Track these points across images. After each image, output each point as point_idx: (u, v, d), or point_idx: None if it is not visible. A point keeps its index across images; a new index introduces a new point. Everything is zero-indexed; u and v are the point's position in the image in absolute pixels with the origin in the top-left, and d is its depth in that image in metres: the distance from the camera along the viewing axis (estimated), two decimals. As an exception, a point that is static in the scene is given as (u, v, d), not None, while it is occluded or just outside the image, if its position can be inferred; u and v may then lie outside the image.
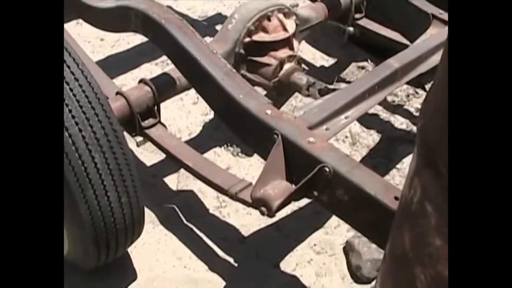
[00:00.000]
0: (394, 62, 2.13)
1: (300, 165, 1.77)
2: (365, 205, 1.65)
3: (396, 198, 1.55)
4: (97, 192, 1.70)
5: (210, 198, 2.48)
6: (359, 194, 1.65)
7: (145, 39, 3.44)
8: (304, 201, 2.44)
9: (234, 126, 2.01)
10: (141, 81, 2.26)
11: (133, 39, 3.50)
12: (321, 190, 1.75)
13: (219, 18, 3.77)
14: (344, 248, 2.27)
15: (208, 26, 3.72)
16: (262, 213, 1.77)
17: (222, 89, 1.95)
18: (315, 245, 2.29)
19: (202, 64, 2.00)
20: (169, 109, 2.92)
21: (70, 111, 1.64)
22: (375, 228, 1.66)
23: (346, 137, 2.80)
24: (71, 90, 1.66)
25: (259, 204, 1.77)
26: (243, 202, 1.92)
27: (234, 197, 1.94)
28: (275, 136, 1.81)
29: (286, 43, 2.47)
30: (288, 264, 2.22)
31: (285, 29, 2.47)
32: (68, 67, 1.70)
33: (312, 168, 1.71)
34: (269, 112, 1.87)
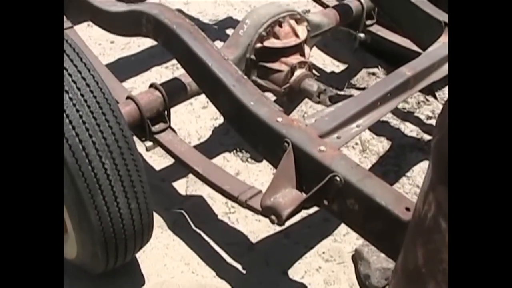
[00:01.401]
0: (406, 70, 2.11)
1: (311, 174, 1.76)
2: (375, 215, 1.63)
3: (407, 209, 1.54)
4: (107, 198, 1.70)
5: (219, 204, 2.47)
6: (370, 204, 1.64)
7: (155, 42, 3.47)
8: (314, 208, 2.40)
9: (245, 132, 2.00)
10: (152, 85, 2.26)
11: (143, 42, 3.50)
12: (332, 200, 1.73)
13: (230, 21, 3.77)
14: (353, 256, 2.25)
15: (219, 29, 3.71)
16: (272, 222, 1.76)
17: (233, 96, 1.94)
18: (324, 252, 2.28)
19: (213, 70, 1.99)
20: (179, 113, 2.91)
21: (80, 116, 1.64)
22: (385, 239, 1.65)
23: (356, 144, 2.79)
24: (82, 96, 1.66)
25: (269, 212, 1.76)
26: (253, 209, 1.91)
27: (244, 205, 1.93)
28: (286, 144, 1.80)
29: (297, 49, 2.47)
30: (296, 272, 2.21)
31: (296, 35, 2.46)
32: (79, 72, 1.69)
33: (323, 177, 1.70)
34: (280, 119, 1.86)
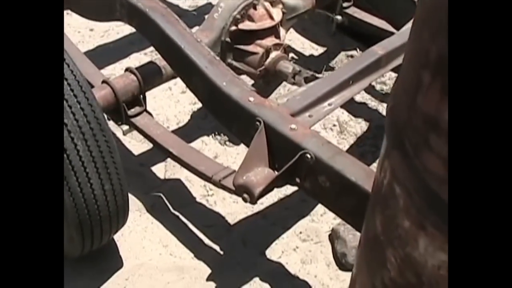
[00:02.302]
0: (378, 49, 2.13)
1: (283, 152, 1.78)
2: (347, 191, 1.66)
3: (377, 184, 1.56)
4: (80, 179, 1.71)
5: (197, 187, 2.49)
6: (341, 180, 1.66)
7: (134, 29, 3.47)
8: (291, 189, 2.46)
9: (218, 113, 2.01)
10: (127, 69, 2.26)
11: (122, 29, 3.49)
12: (304, 177, 1.75)
13: (209, 8, 3.73)
14: (329, 236, 2.28)
15: (198, 16, 3.71)
16: (245, 200, 1.78)
17: (205, 77, 1.95)
18: (301, 232, 2.30)
19: (186, 52, 2.00)
20: (158, 98, 2.92)
21: (51, 98, 1.64)
22: (357, 214, 1.65)
23: (334, 125, 2.81)
24: (52, 77, 1.66)
25: (241, 191, 1.78)
26: (227, 189, 1.93)
27: (218, 184, 1.95)
28: (258, 123, 1.82)
29: (272, 31, 2.47)
30: (274, 252, 2.23)
31: (271, 18, 2.46)
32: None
33: (294, 154, 1.72)
34: (252, 99, 1.88)
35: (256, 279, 2.12)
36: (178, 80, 2.91)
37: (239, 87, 1.92)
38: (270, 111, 1.83)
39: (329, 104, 1.96)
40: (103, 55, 3.27)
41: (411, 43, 0.88)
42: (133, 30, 3.44)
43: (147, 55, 3.30)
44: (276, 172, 1.78)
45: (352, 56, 3.26)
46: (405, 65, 0.90)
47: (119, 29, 3.50)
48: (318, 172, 1.70)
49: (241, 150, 2.66)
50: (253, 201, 1.77)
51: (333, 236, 2.23)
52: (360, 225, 1.70)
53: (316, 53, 3.37)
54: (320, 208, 2.38)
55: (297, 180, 1.78)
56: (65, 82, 1.68)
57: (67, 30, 3.17)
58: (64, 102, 1.66)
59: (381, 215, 1.02)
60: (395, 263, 0.99)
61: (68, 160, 1.67)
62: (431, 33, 0.79)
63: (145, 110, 2.27)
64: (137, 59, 3.27)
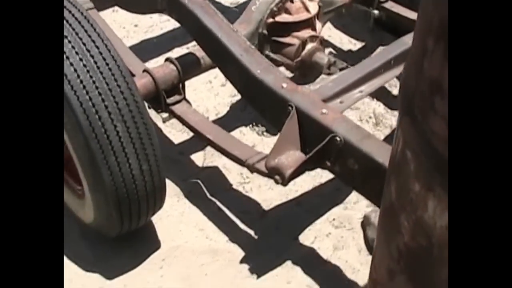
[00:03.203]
0: (408, 39, 2.16)
1: (313, 136, 1.83)
2: (374, 173, 1.70)
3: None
4: (119, 159, 1.80)
5: (234, 174, 2.56)
6: (369, 163, 1.71)
7: (177, 24, 3.57)
8: (325, 178, 2.51)
9: (253, 100, 2.09)
10: (167, 59, 2.35)
11: (166, 25, 3.60)
12: (333, 160, 1.81)
13: (245, 6, 3.83)
14: (362, 223, 2.32)
15: (240, 12, 3.78)
16: (276, 182, 1.85)
17: (241, 65, 2.02)
18: (334, 219, 2.35)
19: (222, 41, 2.08)
20: (198, 90, 3.01)
21: (94, 82, 1.75)
22: (384, 196, 1.71)
23: (370, 117, 2.84)
24: (95, 62, 1.77)
25: (273, 172, 1.85)
26: (259, 172, 1.99)
27: (251, 168, 2.01)
28: (290, 108, 1.88)
29: (309, 24, 2.53)
30: (306, 237, 2.28)
31: (307, 10, 2.52)
32: (93, 41, 1.80)
33: (324, 138, 1.78)
34: (285, 85, 1.94)
35: (288, 262, 2.18)
36: (218, 73, 3.00)
37: (273, 74, 1.98)
38: (302, 96, 1.89)
39: (360, 91, 2.01)
40: (147, 49, 3.37)
41: (419, 16, 0.93)
42: (176, 25, 3.57)
43: (189, 49, 3.38)
44: (307, 155, 1.84)
45: (390, 51, 3.28)
46: (415, 36, 0.95)
47: (163, 25, 3.61)
48: (347, 155, 1.75)
49: (277, 140, 2.72)
50: (284, 182, 1.83)
51: (365, 223, 2.27)
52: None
53: (354, 48, 3.40)
54: (353, 196, 2.42)
55: (327, 163, 1.83)
56: (107, 67, 1.78)
57: (113, 26, 3.28)
58: (105, 85, 1.76)
59: (395, 182, 1.07)
60: (408, 227, 1.04)
61: (108, 141, 1.77)
62: (434, 2, 0.84)
63: (184, 98, 2.35)
64: (179, 54, 3.30)
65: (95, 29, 1.83)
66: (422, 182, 0.95)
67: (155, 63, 3.27)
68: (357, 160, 1.73)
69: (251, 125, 2.83)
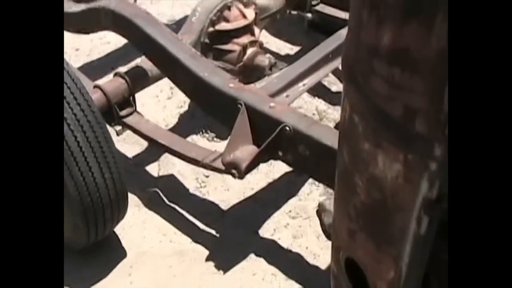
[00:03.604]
0: (344, 33, 2.31)
1: (264, 129, 1.95)
2: (325, 156, 1.83)
3: (351, 147, 1.73)
4: (82, 169, 1.87)
5: (190, 180, 2.65)
6: (319, 147, 1.83)
7: (118, 46, 3.65)
8: (278, 173, 2.63)
9: (203, 103, 2.19)
10: (116, 74, 2.43)
11: (106, 48, 3.67)
12: (285, 149, 1.92)
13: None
14: (317, 211, 2.43)
15: (177, 29, 3.88)
16: (234, 176, 1.95)
17: (188, 70, 2.13)
18: (290, 211, 2.47)
19: (169, 50, 2.18)
20: (146, 104, 3.08)
21: (50, 96, 1.81)
22: (336, 177, 1.83)
23: (313, 114, 2.98)
24: (49, 77, 1.83)
25: (230, 167, 1.95)
26: (216, 169, 2.09)
27: (208, 166, 2.11)
28: (239, 105, 1.99)
29: (247, 30, 2.66)
30: (266, 230, 2.39)
31: (245, 17, 2.65)
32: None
33: (275, 129, 1.89)
34: (232, 85, 2.05)
35: (252, 255, 2.28)
36: (164, 87, 3.12)
37: (220, 76, 2.10)
38: (250, 93, 2.01)
39: (304, 85, 2.15)
40: (90, 71, 3.43)
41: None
42: (117, 46, 3.66)
43: (132, 68, 3.47)
44: (260, 148, 1.95)
45: (326, 52, 3.45)
46: (350, 12, 1.08)
47: (103, 48, 3.68)
48: (297, 142, 1.87)
49: (228, 144, 2.83)
50: (241, 175, 1.93)
51: (320, 210, 2.38)
52: (341, 187, 1.88)
53: (291, 52, 3.56)
54: (306, 188, 2.54)
55: (280, 153, 1.95)
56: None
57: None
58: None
59: (347, 146, 1.19)
60: (362, 186, 1.16)
61: (69, 152, 1.83)
62: (365, -21, 0.97)
63: (135, 110, 2.43)
64: (123, 72, 3.43)
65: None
66: (371, 141, 1.07)
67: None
68: (308, 146, 1.86)
69: (201, 132, 2.93)
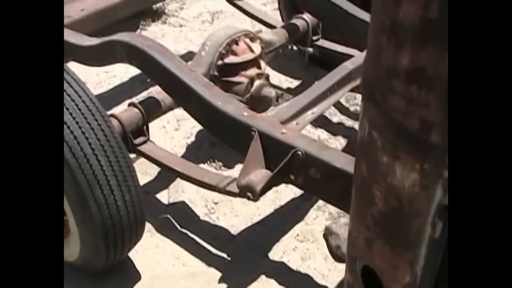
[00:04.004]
0: (348, 65, 2.46)
1: (277, 154, 2.06)
2: (335, 178, 1.94)
3: (360, 168, 1.85)
4: (105, 191, 1.97)
5: (199, 207, 2.75)
6: (329, 169, 1.94)
7: (124, 79, 3.79)
8: (286, 199, 2.74)
9: (216, 130, 2.30)
10: (130, 104, 2.55)
11: (114, 80, 3.80)
12: (297, 173, 2.03)
13: (191, 55, 4.09)
14: (324, 235, 2.54)
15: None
16: (248, 198, 2.05)
17: (203, 99, 2.25)
18: (297, 235, 2.57)
19: (184, 80, 2.30)
20: (154, 135, 3.18)
21: (77, 122, 1.92)
22: (346, 198, 1.93)
23: (316, 144, 3.11)
24: (76, 105, 1.95)
25: (244, 190, 2.05)
26: (231, 193, 2.19)
27: (223, 191, 2.21)
28: (253, 132, 2.11)
29: (254, 63, 2.79)
30: (275, 253, 2.49)
31: (252, 51, 2.79)
32: (71, 86, 1.99)
33: (287, 153, 2.00)
34: (245, 113, 2.17)
35: (263, 276, 2.37)
36: (170, 119, 3.24)
37: (233, 105, 2.22)
38: (263, 121, 2.13)
39: (312, 113, 2.27)
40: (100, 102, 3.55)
41: (372, 19, 1.18)
42: (124, 80, 3.80)
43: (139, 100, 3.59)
44: (273, 171, 2.06)
45: (325, 85, 3.60)
46: (369, 37, 1.21)
47: (111, 80, 3.81)
48: (309, 166, 1.99)
49: (235, 173, 2.93)
50: (256, 198, 2.04)
51: (327, 233, 2.50)
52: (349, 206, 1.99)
53: (292, 86, 3.70)
54: (312, 213, 2.65)
55: (291, 177, 2.06)
56: (86, 108, 1.97)
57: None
58: (87, 124, 1.95)
59: (365, 161, 1.30)
60: (380, 195, 1.27)
61: (93, 175, 1.94)
62: (383, 7, 1.10)
63: (149, 139, 2.54)
64: (130, 105, 3.56)
65: (71, 76, 2.02)
66: (389, 153, 1.19)
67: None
68: (319, 169, 1.97)
69: (208, 162, 3.04)
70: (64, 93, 1.96)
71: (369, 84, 1.20)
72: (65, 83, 1.98)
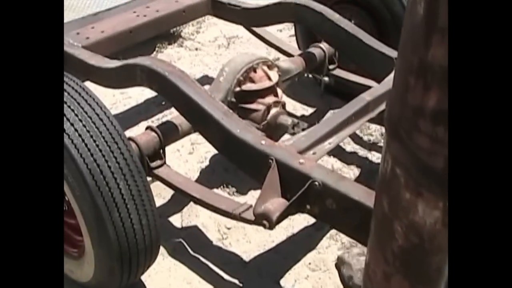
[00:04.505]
0: (366, 96, 2.48)
1: (293, 183, 2.07)
2: (352, 209, 1.95)
3: (376, 200, 1.86)
4: (122, 214, 1.99)
5: (212, 231, 2.76)
6: (345, 201, 1.95)
7: (139, 100, 3.83)
8: (299, 226, 2.74)
9: (234, 158, 2.32)
10: (148, 127, 2.58)
11: (129, 102, 3.84)
12: (313, 203, 2.04)
13: (206, 79, 4.15)
14: (336, 264, 2.54)
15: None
16: (264, 226, 2.06)
17: (222, 127, 2.27)
18: (309, 263, 2.57)
19: (204, 107, 2.32)
20: (168, 158, 3.19)
21: (97, 145, 1.95)
22: (362, 229, 1.94)
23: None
24: (97, 128, 1.98)
25: (261, 218, 2.06)
26: (247, 221, 2.20)
27: (238, 218, 2.22)
28: (270, 161, 2.12)
29: (271, 90, 2.82)
30: (287, 281, 2.49)
31: (269, 79, 2.82)
32: (94, 109, 2.02)
33: (304, 184, 2.02)
34: (263, 142, 2.19)
35: (274, 304, 2.38)
36: (185, 143, 3.26)
37: (252, 133, 2.24)
38: (280, 150, 2.15)
39: (329, 143, 2.29)
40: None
41: (399, 58, 1.21)
42: (139, 101, 3.83)
43: (154, 122, 3.63)
44: (290, 201, 2.07)
45: (340, 114, 3.62)
46: (396, 75, 1.23)
47: (126, 102, 3.85)
48: (325, 196, 2.00)
49: (248, 198, 2.95)
50: (272, 226, 2.05)
51: (339, 263, 2.50)
52: (366, 239, 2.00)
53: (306, 113, 3.73)
54: (325, 241, 2.66)
55: (308, 207, 2.07)
56: (107, 131, 1.99)
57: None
58: (107, 147, 1.97)
59: (387, 196, 1.32)
60: (401, 231, 1.28)
61: (112, 198, 1.96)
62: (412, 48, 1.12)
63: (165, 162, 2.57)
64: (144, 127, 3.58)
65: (93, 98, 2.06)
66: (412, 190, 1.20)
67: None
68: (335, 200, 1.98)
69: (222, 187, 3.06)
70: (86, 115, 1.99)
71: (394, 122, 1.22)
72: (87, 106, 2.01)
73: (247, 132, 2.25)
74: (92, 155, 1.93)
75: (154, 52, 4.50)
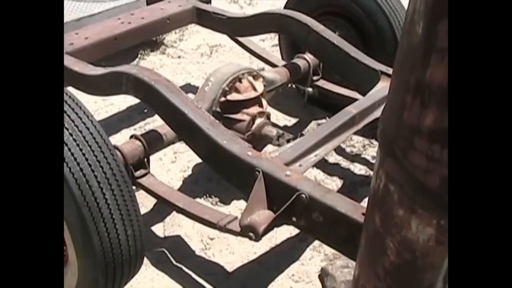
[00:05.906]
0: (352, 109, 2.50)
1: (280, 195, 2.07)
2: (338, 222, 1.95)
3: (363, 214, 1.87)
4: (108, 225, 1.96)
5: (195, 241, 2.74)
6: (332, 214, 1.96)
7: (122, 107, 3.80)
8: (281, 238, 2.74)
9: (220, 169, 2.31)
10: (132, 136, 2.56)
11: (111, 109, 3.82)
12: (300, 215, 2.05)
13: (189, 87, 4.14)
14: (319, 276, 2.55)
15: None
16: (250, 238, 2.06)
17: (208, 137, 2.26)
18: (293, 275, 2.57)
19: (189, 117, 2.32)
20: (151, 167, 3.19)
21: (84, 154, 1.93)
22: (348, 242, 1.95)
23: (313, 183, 3.13)
24: (84, 137, 1.96)
25: (247, 230, 2.06)
26: (232, 232, 2.19)
27: (223, 229, 2.22)
28: (257, 172, 2.12)
29: (256, 101, 2.83)
30: (271, 293, 2.49)
31: (254, 89, 2.83)
32: (80, 118, 1.99)
33: (291, 196, 2.02)
34: (250, 153, 2.19)
35: (257, 316, 2.37)
36: (167, 151, 3.24)
37: (238, 144, 2.24)
38: (267, 162, 2.15)
39: (315, 155, 2.29)
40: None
41: (395, 77, 1.22)
42: (121, 108, 3.81)
43: (136, 130, 3.61)
44: (277, 213, 2.07)
45: (322, 125, 3.64)
46: (391, 93, 1.24)
47: (108, 108, 3.82)
48: (312, 209, 2.00)
49: (231, 208, 2.95)
50: (258, 238, 2.04)
51: (323, 275, 2.50)
52: (352, 252, 2.00)
53: (289, 124, 3.74)
54: (308, 253, 2.66)
55: (294, 219, 2.07)
56: (94, 141, 1.97)
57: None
58: (94, 157, 1.95)
59: (379, 212, 1.32)
60: (393, 247, 1.29)
61: (98, 208, 1.94)
62: (410, 67, 1.13)
63: (149, 172, 2.55)
64: (127, 134, 3.56)
65: (80, 107, 2.03)
66: (405, 207, 1.21)
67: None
68: (322, 213, 1.98)
69: (205, 196, 3.04)
70: (72, 124, 1.96)
71: (389, 140, 1.23)
72: (74, 115, 1.99)
73: (233, 143, 2.24)
74: (78, 164, 1.91)
75: (137, 59, 4.48)
